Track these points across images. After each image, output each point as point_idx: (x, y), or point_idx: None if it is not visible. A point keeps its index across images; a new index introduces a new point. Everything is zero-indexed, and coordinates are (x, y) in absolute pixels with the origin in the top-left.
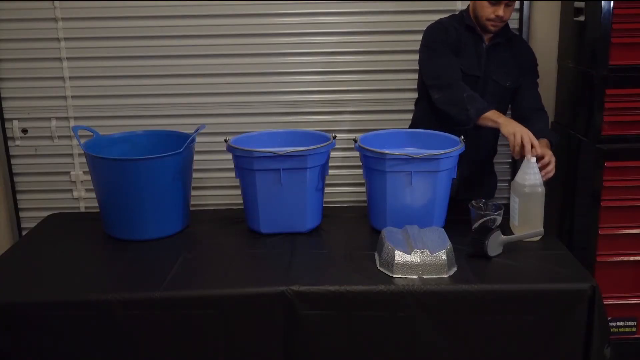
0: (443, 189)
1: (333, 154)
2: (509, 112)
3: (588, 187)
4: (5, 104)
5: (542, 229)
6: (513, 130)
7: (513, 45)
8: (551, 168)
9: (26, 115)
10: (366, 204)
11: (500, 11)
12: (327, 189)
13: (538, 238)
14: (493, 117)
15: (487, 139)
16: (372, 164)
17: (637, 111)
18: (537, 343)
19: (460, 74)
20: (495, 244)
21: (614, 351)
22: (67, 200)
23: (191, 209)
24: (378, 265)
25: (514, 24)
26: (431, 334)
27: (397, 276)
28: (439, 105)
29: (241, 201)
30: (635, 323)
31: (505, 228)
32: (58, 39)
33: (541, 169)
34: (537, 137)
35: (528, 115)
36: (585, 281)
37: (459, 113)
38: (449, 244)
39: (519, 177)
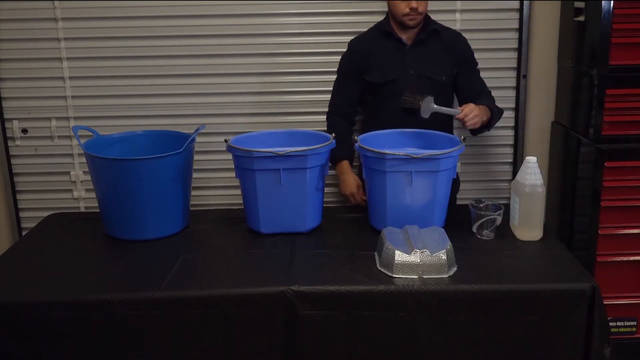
0: (443, 189)
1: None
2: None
3: (588, 187)
4: (5, 104)
5: (459, 108)
6: (345, 191)
7: (441, 38)
8: (471, 117)
9: (26, 115)
10: (366, 204)
11: (413, 3)
12: (327, 189)
13: (457, 114)
14: (340, 169)
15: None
16: (372, 164)
17: (637, 111)
18: (537, 343)
19: (345, 105)
20: (427, 107)
21: (614, 351)
22: (67, 200)
23: (191, 209)
24: (378, 265)
25: (513, 24)
26: (431, 334)
27: (397, 276)
28: None
29: (241, 201)
30: (635, 323)
31: (506, 228)
32: (58, 39)
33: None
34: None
35: (473, 101)
36: (585, 281)
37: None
38: (449, 244)
39: (519, 177)
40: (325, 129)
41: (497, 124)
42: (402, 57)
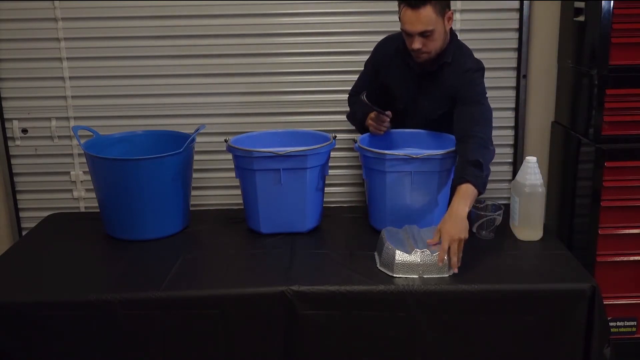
0: (443, 189)
1: (333, 154)
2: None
3: (588, 187)
4: (5, 104)
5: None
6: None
7: (443, 75)
8: (454, 261)
9: (26, 115)
10: (366, 204)
11: (416, 44)
12: (327, 189)
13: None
14: None
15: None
16: (372, 164)
17: (637, 111)
18: (537, 343)
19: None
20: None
21: (614, 351)
22: (67, 200)
23: (191, 209)
24: (378, 265)
25: (513, 24)
26: (431, 334)
27: (397, 276)
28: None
29: (241, 201)
30: (635, 323)
31: (506, 228)
32: (58, 39)
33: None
34: (459, 181)
35: (459, 139)
36: (585, 281)
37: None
38: None
39: (519, 177)
40: (326, 128)
41: (497, 124)
42: (409, 80)
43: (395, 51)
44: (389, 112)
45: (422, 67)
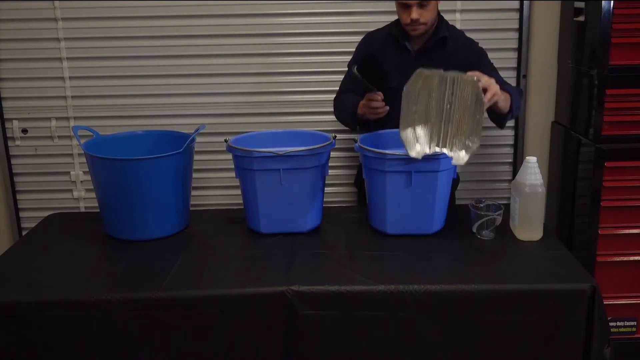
0: (443, 189)
1: (333, 154)
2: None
3: (588, 187)
4: (5, 104)
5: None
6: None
7: (447, 47)
8: (490, 95)
9: (26, 115)
10: (366, 204)
11: (414, 14)
12: (327, 189)
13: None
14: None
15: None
16: (372, 164)
17: (637, 111)
18: (537, 343)
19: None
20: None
21: (614, 351)
22: (67, 200)
23: (191, 209)
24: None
25: (513, 24)
26: (431, 334)
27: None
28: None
29: (241, 201)
30: (635, 323)
31: (506, 228)
32: (58, 39)
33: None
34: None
35: None
36: (585, 281)
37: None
38: None
39: (519, 177)
40: (325, 128)
41: None
42: (406, 64)
43: (385, 39)
44: (379, 93)
45: (421, 45)
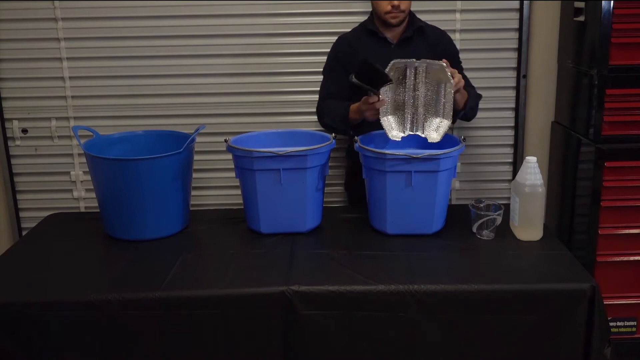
0: (443, 189)
1: (333, 154)
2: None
3: (588, 187)
4: (5, 104)
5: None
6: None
7: (426, 36)
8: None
9: (26, 115)
10: (366, 204)
11: (395, 1)
12: (327, 189)
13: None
14: (352, 111)
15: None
16: (372, 164)
17: (637, 111)
18: (537, 343)
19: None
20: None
21: (614, 351)
22: (67, 200)
23: (191, 209)
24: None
25: (513, 24)
26: (431, 334)
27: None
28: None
29: (241, 201)
30: (635, 323)
31: (506, 228)
32: (58, 39)
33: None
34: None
35: None
36: (585, 281)
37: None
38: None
39: (519, 177)
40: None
41: (497, 124)
42: (388, 56)
43: (360, 37)
44: (378, 93)
45: (401, 34)
